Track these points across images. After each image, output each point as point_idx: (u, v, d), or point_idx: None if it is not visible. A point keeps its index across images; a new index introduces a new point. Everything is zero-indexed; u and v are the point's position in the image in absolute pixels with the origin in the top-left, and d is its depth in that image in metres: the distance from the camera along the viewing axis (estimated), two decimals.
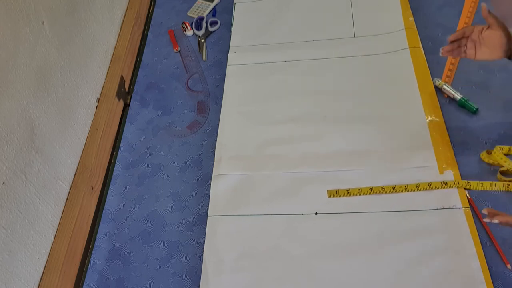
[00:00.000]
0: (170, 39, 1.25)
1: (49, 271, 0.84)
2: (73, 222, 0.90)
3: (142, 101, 1.14)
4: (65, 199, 0.92)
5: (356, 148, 0.94)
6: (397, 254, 0.79)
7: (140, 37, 1.27)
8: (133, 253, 0.89)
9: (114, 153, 1.06)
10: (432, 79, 1.01)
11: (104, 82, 1.12)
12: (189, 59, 1.20)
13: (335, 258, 0.81)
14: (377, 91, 1.02)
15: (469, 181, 0.85)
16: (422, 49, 1.08)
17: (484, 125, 0.93)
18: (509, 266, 0.76)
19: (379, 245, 0.81)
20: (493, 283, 0.74)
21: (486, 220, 0.70)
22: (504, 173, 0.85)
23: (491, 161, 0.87)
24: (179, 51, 1.22)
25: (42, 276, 0.83)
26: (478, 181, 0.85)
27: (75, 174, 0.96)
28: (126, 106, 1.14)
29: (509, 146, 0.88)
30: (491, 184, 0.84)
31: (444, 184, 0.85)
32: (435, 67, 1.03)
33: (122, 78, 1.14)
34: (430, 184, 0.86)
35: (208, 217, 0.90)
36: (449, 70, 1.00)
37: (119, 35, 1.22)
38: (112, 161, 1.04)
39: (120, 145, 1.06)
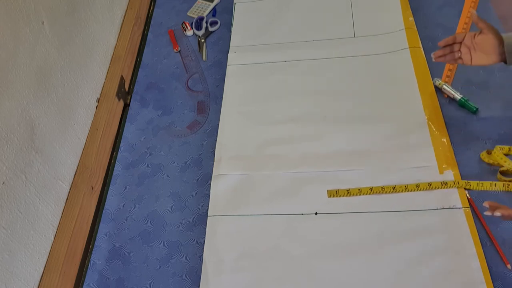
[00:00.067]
0: (170, 39, 1.25)
1: (49, 271, 0.84)
2: (73, 222, 0.90)
3: (142, 101, 1.14)
4: (65, 199, 0.92)
5: (356, 148, 0.94)
6: (397, 254, 0.79)
7: (140, 37, 1.27)
8: (133, 253, 0.89)
9: (114, 153, 1.06)
10: (432, 79, 1.01)
11: (104, 82, 1.12)
12: (189, 59, 1.20)
13: (335, 258, 0.81)
14: (377, 91, 1.02)
15: (469, 181, 0.85)
16: (422, 49, 1.08)
17: (484, 125, 0.93)
18: (509, 266, 0.76)
19: (379, 245, 0.81)
20: (493, 283, 0.74)
21: (487, 213, 0.70)
22: (504, 173, 0.85)
23: (491, 161, 0.87)
24: (179, 51, 1.22)
25: (42, 276, 0.83)
26: (478, 181, 0.85)
27: (75, 174, 0.96)
28: (126, 106, 1.14)
29: (509, 146, 0.88)
30: (491, 184, 0.84)
31: (444, 184, 0.85)
32: (435, 67, 1.03)
33: (122, 78, 1.14)
34: (430, 184, 0.86)
35: (208, 217, 0.90)
36: (449, 70, 1.00)
37: (119, 35, 1.22)
38: (112, 161, 1.04)
39: (120, 145, 1.06)
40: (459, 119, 0.95)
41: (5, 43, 0.75)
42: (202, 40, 1.23)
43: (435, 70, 1.02)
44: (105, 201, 0.98)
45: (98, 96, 1.09)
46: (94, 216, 0.95)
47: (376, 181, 0.88)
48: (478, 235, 0.79)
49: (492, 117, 0.94)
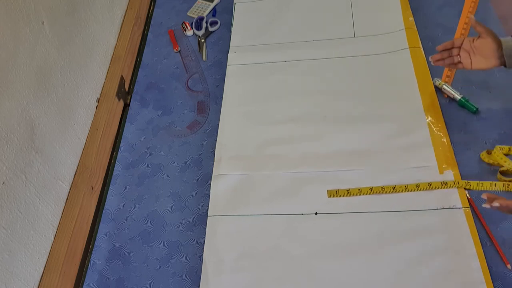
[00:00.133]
0: (170, 39, 1.25)
1: (49, 271, 0.84)
2: (73, 222, 0.90)
3: (142, 101, 1.14)
4: (65, 199, 0.92)
5: (356, 148, 0.94)
6: (397, 254, 0.79)
7: (140, 37, 1.27)
8: (133, 253, 0.89)
9: (114, 153, 1.06)
10: (432, 79, 1.01)
11: (104, 82, 1.12)
12: (189, 59, 1.20)
13: (335, 258, 0.81)
14: (377, 91, 1.02)
15: (469, 181, 0.85)
16: (422, 49, 1.08)
17: (484, 125, 0.93)
18: (509, 266, 0.76)
19: (379, 245, 0.81)
20: (493, 283, 0.74)
21: (485, 205, 0.70)
22: (504, 173, 0.85)
23: (491, 161, 0.87)
24: (179, 51, 1.22)
25: (42, 276, 0.83)
26: (478, 181, 0.85)
27: (75, 174, 0.96)
28: (126, 106, 1.14)
29: (509, 146, 0.88)
30: (491, 184, 0.84)
31: (444, 184, 0.85)
32: (435, 67, 1.02)
33: (122, 78, 1.14)
34: (430, 184, 0.86)
35: (208, 217, 0.90)
36: (449, 70, 1.00)
37: (119, 35, 1.22)
38: (112, 161, 1.04)
39: (120, 145, 1.06)
40: (459, 119, 0.95)
41: (5, 43, 0.75)
42: (202, 40, 1.23)
43: (435, 70, 1.02)
44: (105, 201, 0.98)
45: (98, 96, 1.09)
46: (94, 216, 0.95)
47: (376, 181, 0.88)
48: (478, 235, 0.79)
49: (492, 117, 0.94)
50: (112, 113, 1.08)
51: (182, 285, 0.83)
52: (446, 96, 0.98)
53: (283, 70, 1.11)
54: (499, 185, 0.84)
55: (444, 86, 0.98)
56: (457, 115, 0.96)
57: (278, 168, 0.94)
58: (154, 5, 1.37)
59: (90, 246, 0.92)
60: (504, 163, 0.85)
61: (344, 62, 1.10)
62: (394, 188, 0.87)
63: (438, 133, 0.93)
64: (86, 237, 0.92)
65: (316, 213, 0.87)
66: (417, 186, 0.86)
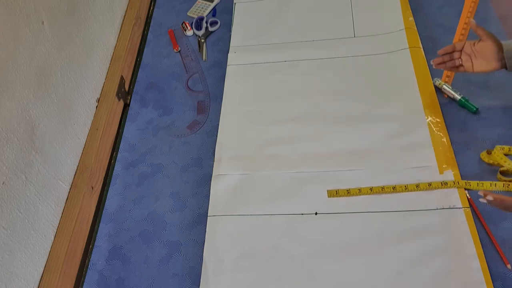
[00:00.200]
0: (170, 39, 1.25)
1: (49, 271, 0.84)
2: (73, 222, 0.90)
3: (142, 101, 1.14)
4: (65, 199, 0.92)
5: (356, 148, 0.94)
6: (397, 254, 0.79)
7: (140, 37, 1.27)
8: (133, 253, 0.89)
9: (114, 153, 1.06)
10: (432, 79, 1.01)
11: (104, 82, 1.12)
12: (189, 59, 1.20)
13: (335, 258, 0.81)
14: (377, 91, 1.02)
15: (469, 181, 0.85)
16: (422, 49, 1.08)
17: (484, 125, 0.93)
18: (509, 266, 0.76)
19: (379, 245, 0.81)
20: (493, 283, 0.74)
21: (482, 200, 0.70)
22: (504, 173, 0.85)
23: (491, 161, 0.87)
24: (179, 51, 1.22)
25: (42, 276, 0.83)
26: (478, 181, 0.85)
27: (75, 174, 0.96)
28: (126, 106, 1.14)
29: (509, 146, 0.88)
30: (491, 184, 0.84)
31: (444, 184, 0.85)
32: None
33: (122, 78, 1.14)
34: (430, 184, 0.86)
35: (208, 217, 0.90)
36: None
37: (119, 35, 1.22)
38: (112, 161, 1.04)
39: (120, 145, 1.06)
40: (459, 119, 0.95)
41: (5, 43, 0.75)
42: (202, 40, 1.23)
43: (435, 70, 1.02)
44: (105, 201, 0.98)
45: (98, 96, 1.09)
46: (94, 216, 0.95)
47: (376, 181, 0.88)
48: (478, 235, 0.79)
49: (492, 117, 0.94)
50: (112, 113, 1.08)
51: (182, 285, 0.83)
52: (446, 96, 0.98)
53: (283, 70, 1.11)
54: (499, 185, 0.84)
55: (444, 86, 0.98)
56: (457, 115, 0.96)
57: (278, 168, 0.94)
58: (154, 5, 1.37)
59: (90, 246, 0.92)
60: (504, 163, 0.85)
61: (344, 62, 1.10)
62: (394, 188, 0.87)
63: (438, 133, 0.93)
64: (86, 237, 0.92)
65: (316, 213, 0.87)
66: (417, 186, 0.86)
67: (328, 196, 0.88)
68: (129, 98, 1.15)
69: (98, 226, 0.94)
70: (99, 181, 0.99)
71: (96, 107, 1.07)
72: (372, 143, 0.94)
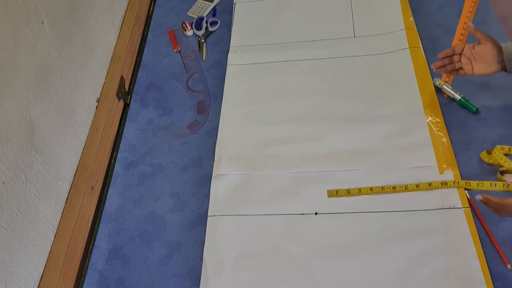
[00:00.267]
0: (170, 39, 1.25)
1: (49, 271, 0.84)
2: (73, 222, 0.90)
3: (142, 101, 1.14)
4: (65, 199, 0.92)
5: (356, 148, 0.94)
6: (397, 254, 0.79)
7: (140, 37, 1.27)
8: (133, 253, 0.89)
9: (114, 153, 1.06)
10: (432, 79, 1.01)
11: (104, 82, 1.12)
12: (189, 59, 1.20)
13: (335, 258, 0.81)
14: (377, 91, 1.02)
15: (469, 181, 0.85)
16: (422, 49, 1.08)
17: (484, 125, 0.93)
18: (509, 266, 0.76)
19: (379, 245, 0.81)
20: (493, 283, 0.74)
21: (478, 197, 0.71)
22: (504, 173, 0.85)
23: (491, 161, 0.87)
24: (179, 51, 1.22)
25: (42, 276, 0.83)
26: (478, 181, 0.85)
27: (75, 174, 0.96)
28: (126, 106, 1.14)
29: (509, 146, 0.88)
30: (491, 184, 0.84)
31: (444, 184, 0.85)
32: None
33: (122, 78, 1.14)
34: (430, 184, 0.86)
35: (208, 217, 0.90)
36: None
37: (119, 35, 1.22)
38: (112, 161, 1.04)
39: (120, 145, 1.06)
40: (459, 119, 0.95)
41: (5, 43, 0.75)
42: (202, 40, 1.23)
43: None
44: (105, 201, 0.98)
45: (98, 96, 1.09)
46: (94, 216, 0.95)
47: (376, 181, 0.88)
48: (478, 235, 0.79)
49: (492, 117, 0.94)
50: (112, 113, 1.08)
51: (182, 285, 0.83)
52: (446, 96, 0.98)
53: (283, 70, 1.11)
54: (499, 185, 0.84)
55: (444, 86, 0.98)
56: (457, 115, 0.96)
57: (278, 168, 0.94)
58: (154, 5, 1.37)
59: (90, 246, 0.92)
60: (504, 163, 0.85)
61: (344, 62, 1.10)
62: (394, 188, 0.87)
63: (438, 133, 0.93)
64: (86, 237, 0.92)
65: (316, 213, 0.87)
66: (417, 186, 0.86)
67: (328, 196, 0.88)
68: (129, 98, 1.15)
69: (98, 226, 0.94)
70: (99, 181, 0.99)
71: (96, 107, 1.07)
72: (372, 143, 0.94)
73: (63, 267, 0.85)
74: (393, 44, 1.10)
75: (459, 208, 0.82)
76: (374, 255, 0.80)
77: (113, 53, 1.18)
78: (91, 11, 1.06)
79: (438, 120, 0.95)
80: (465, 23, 0.91)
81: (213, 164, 0.97)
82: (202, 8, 1.31)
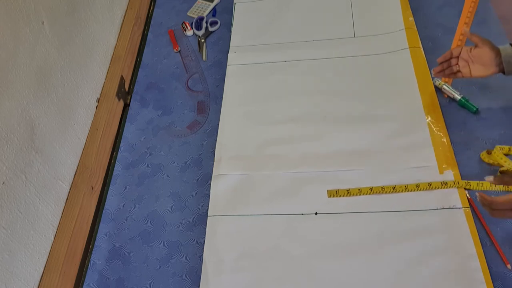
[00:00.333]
0: (170, 39, 1.25)
1: (49, 271, 0.84)
2: (73, 222, 0.90)
3: (142, 101, 1.14)
4: (65, 199, 0.92)
5: (356, 148, 0.94)
6: (397, 254, 0.79)
7: (140, 37, 1.27)
8: (133, 253, 0.89)
9: (114, 153, 1.06)
10: (432, 79, 1.01)
11: (104, 82, 1.12)
12: (189, 59, 1.20)
13: (335, 258, 0.81)
14: (377, 91, 1.02)
15: (469, 181, 0.85)
16: (422, 49, 1.08)
17: (484, 125, 0.93)
18: (509, 266, 0.76)
19: (379, 245, 0.81)
20: (493, 283, 0.74)
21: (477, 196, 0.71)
22: (504, 173, 0.85)
23: (491, 161, 0.87)
24: (179, 51, 1.22)
25: (42, 276, 0.83)
26: (478, 181, 0.85)
27: (75, 174, 0.96)
28: (126, 106, 1.14)
29: (509, 146, 0.88)
30: (491, 184, 0.84)
31: (444, 184, 0.85)
32: (434, 67, 1.02)
33: (122, 78, 1.14)
34: (430, 184, 0.86)
35: (208, 217, 0.90)
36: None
37: (119, 35, 1.22)
38: (112, 161, 1.04)
39: (120, 145, 1.06)
40: (459, 119, 0.95)
41: (5, 43, 0.75)
42: (202, 40, 1.23)
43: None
44: (105, 201, 0.98)
45: (98, 96, 1.09)
46: (94, 216, 0.95)
47: (376, 181, 0.88)
48: (478, 235, 0.79)
49: (492, 117, 0.94)
50: (112, 113, 1.08)
51: (182, 285, 0.83)
52: (446, 96, 0.98)
53: (283, 70, 1.11)
54: (499, 185, 0.84)
55: (444, 86, 0.98)
56: (457, 115, 0.96)
57: (278, 168, 0.94)
58: (154, 5, 1.37)
59: (90, 246, 0.92)
60: (504, 163, 0.85)
61: (344, 62, 1.10)
62: (394, 188, 0.87)
63: (438, 133, 0.93)
64: (86, 237, 0.92)
65: (316, 213, 0.87)
66: (417, 186, 0.86)
67: (328, 196, 0.88)
68: (129, 98, 1.15)
69: (98, 226, 0.94)
70: (99, 181, 0.99)
71: (96, 107, 1.07)
72: (372, 143, 0.94)
73: (63, 267, 0.85)
74: (393, 44, 1.10)
75: (459, 208, 0.82)
76: (374, 255, 0.80)
77: (113, 53, 1.18)
78: (91, 11, 1.06)
79: (438, 120, 0.95)
80: (465, 23, 0.91)
81: (213, 164, 0.97)
82: (202, 8, 1.31)
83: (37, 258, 0.82)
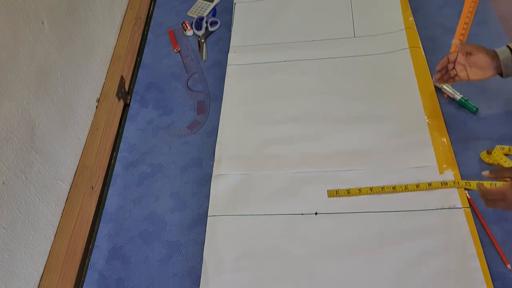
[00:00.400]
0: (170, 39, 1.25)
1: (49, 271, 0.84)
2: (73, 222, 0.90)
3: (142, 101, 1.14)
4: (65, 199, 0.92)
5: (356, 148, 0.94)
6: (397, 254, 0.79)
7: (140, 37, 1.27)
8: (133, 253, 0.89)
9: (114, 153, 1.06)
10: (432, 79, 1.01)
11: (104, 82, 1.12)
12: (189, 59, 1.20)
13: (335, 258, 0.81)
14: (377, 91, 1.02)
15: (469, 181, 0.85)
16: (422, 49, 1.08)
17: (484, 125, 0.93)
18: (509, 266, 0.76)
19: (379, 245, 0.81)
20: (493, 283, 0.74)
21: (484, 173, 0.73)
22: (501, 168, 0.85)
23: (491, 161, 0.87)
24: (179, 51, 1.22)
25: (42, 276, 0.83)
26: (478, 181, 0.85)
27: (75, 174, 0.96)
28: (126, 106, 1.14)
29: (509, 146, 0.88)
30: (491, 184, 0.84)
31: (444, 184, 0.85)
32: (435, 67, 1.02)
33: (122, 78, 1.14)
34: (430, 184, 0.86)
35: (208, 217, 0.90)
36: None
37: (119, 35, 1.22)
38: (112, 161, 1.04)
39: (120, 145, 1.06)
40: (459, 119, 0.95)
41: (5, 43, 0.75)
42: (202, 40, 1.23)
43: (435, 70, 1.02)
44: (105, 201, 0.98)
45: (98, 96, 1.09)
46: (94, 216, 0.95)
47: (376, 181, 0.88)
48: (478, 235, 0.79)
49: (492, 117, 0.94)
50: (112, 113, 1.08)
51: (182, 285, 0.83)
52: (446, 96, 0.98)
53: (283, 70, 1.11)
54: (499, 185, 0.84)
55: (444, 86, 0.98)
56: (457, 115, 0.96)
57: (278, 168, 0.94)
58: (154, 5, 1.37)
59: (90, 246, 0.92)
60: (504, 163, 0.85)
61: (344, 62, 1.10)
62: (394, 188, 0.87)
63: (438, 133, 0.93)
64: (86, 237, 0.92)
65: (316, 213, 0.87)
66: (417, 186, 0.86)
67: (328, 196, 0.88)
68: (129, 98, 1.15)
69: (98, 226, 0.94)
70: (99, 181, 0.99)
71: (96, 107, 1.07)
72: (372, 143, 0.94)
73: (63, 267, 0.85)
74: (393, 44, 1.10)
75: (459, 208, 0.82)
76: (374, 255, 0.80)
77: (113, 53, 1.18)
78: (91, 11, 1.06)
79: (438, 120, 0.95)
80: (465, 23, 0.91)
81: (213, 164, 0.97)
82: (202, 8, 1.31)
83: (37, 258, 0.82)
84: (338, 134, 0.97)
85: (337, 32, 1.16)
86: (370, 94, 1.02)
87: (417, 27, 1.12)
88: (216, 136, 1.02)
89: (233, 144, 1.00)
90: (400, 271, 0.78)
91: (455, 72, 0.86)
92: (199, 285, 0.82)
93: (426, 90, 1.00)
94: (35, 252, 0.81)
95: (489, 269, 0.75)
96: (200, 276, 0.83)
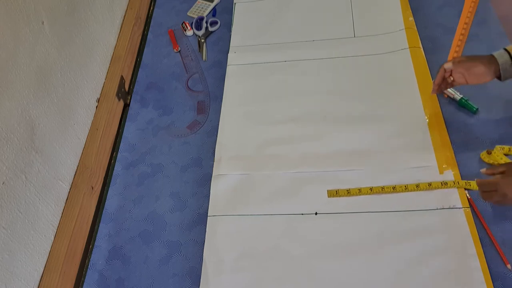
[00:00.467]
0: (170, 39, 1.25)
1: (49, 271, 0.84)
2: (73, 222, 0.90)
3: (142, 101, 1.14)
4: (65, 199, 0.92)
5: (356, 148, 0.94)
6: (397, 254, 0.79)
7: (140, 37, 1.27)
8: (133, 253, 0.89)
9: (114, 153, 1.06)
10: (432, 79, 1.01)
11: (104, 82, 1.12)
12: (189, 59, 1.20)
13: (335, 258, 0.81)
14: (377, 91, 1.02)
15: (469, 181, 0.85)
16: (422, 49, 1.08)
17: (484, 125, 0.93)
18: (509, 266, 0.76)
19: (379, 245, 0.81)
20: (493, 283, 0.74)
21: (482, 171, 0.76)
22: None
23: (491, 161, 0.87)
24: (179, 51, 1.22)
25: (42, 276, 0.83)
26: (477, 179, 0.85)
27: (75, 174, 0.96)
28: (126, 106, 1.14)
29: (509, 146, 0.88)
30: None
31: (444, 184, 0.85)
32: (435, 67, 1.03)
33: (122, 78, 1.14)
34: (430, 184, 0.86)
35: (208, 217, 0.90)
36: None
37: (119, 35, 1.22)
38: (112, 161, 1.04)
39: (120, 145, 1.06)
40: (459, 119, 0.95)
41: (5, 43, 0.75)
42: (202, 40, 1.23)
43: (435, 70, 1.02)
44: (105, 201, 0.98)
45: (98, 96, 1.09)
46: (94, 216, 0.95)
47: (376, 181, 0.88)
48: (478, 235, 0.79)
49: (492, 117, 0.94)
50: (112, 113, 1.08)
51: (182, 285, 0.83)
52: (446, 96, 0.98)
53: (283, 70, 1.11)
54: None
55: None
56: (457, 115, 0.96)
57: (278, 168, 0.94)
58: (154, 5, 1.37)
59: (90, 246, 0.92)
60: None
61: (344, 62, 1.10)
62: (394, 188, 0.87)
63: (438, 133, 0.93)
64: (86, 237, 0.92)
65: (316, 213, 0.87)
66: (417, 186, 0.86)
67: (328, 196, 0.88)
68: (129, 98, 1.15)
69: (98, 226, 0.94)
70: (99, 181, 0.99)
71: (96, 107, 1.07)
72: (372, 143, 0.94)
73: (63, 267, 0.85)
74: (393, 44, 1.10)
75: (459, 208, 0.82)
76: (374, 255, 0.80)
77: (113, 53, 1.18)
78: (91, 11, 1.06)
79: (438, 120, 0.95)
80: (465, 23, 0.91)
81: (213, 164, 0.97)
82: (202, 8, 1.31)
83: (37, 258, 0.82)
84: (338, 134, 0.97)
85: (337, 32, 1.16)
86: (370, 94, 1.02)
87: (417, 27, 1.12)
88: (216, 136, 1.02)
89: (233, 144, 1.00)
90: (400, 271, 0.78)
91: (451, 79, 0.86)
92: (199, 285, 0.82)
93: (426, 90, 1.00)
94: (35, 252, 0.81)
95: (489, 269, 0.75)
96: (200, 276, 0.83)
